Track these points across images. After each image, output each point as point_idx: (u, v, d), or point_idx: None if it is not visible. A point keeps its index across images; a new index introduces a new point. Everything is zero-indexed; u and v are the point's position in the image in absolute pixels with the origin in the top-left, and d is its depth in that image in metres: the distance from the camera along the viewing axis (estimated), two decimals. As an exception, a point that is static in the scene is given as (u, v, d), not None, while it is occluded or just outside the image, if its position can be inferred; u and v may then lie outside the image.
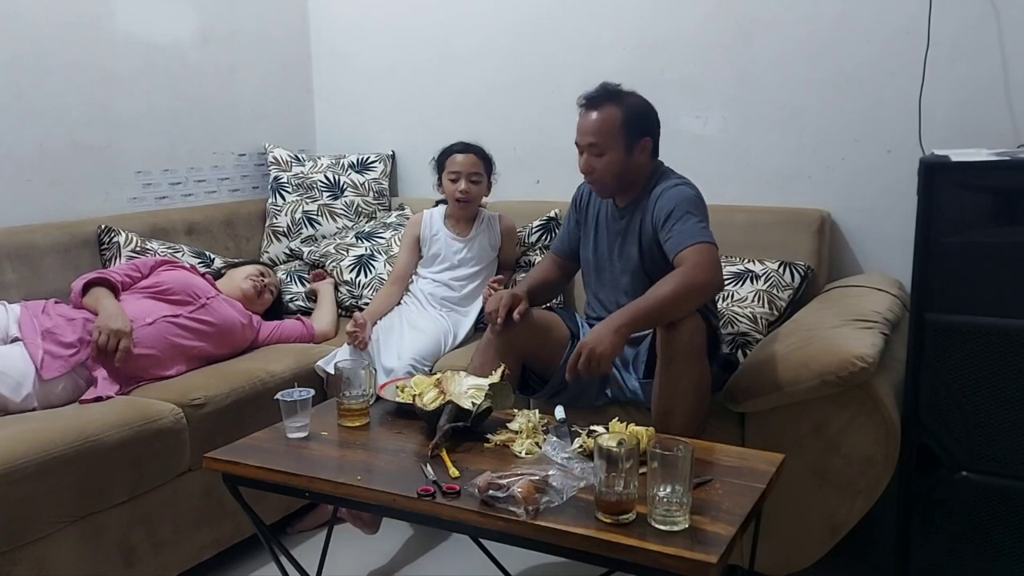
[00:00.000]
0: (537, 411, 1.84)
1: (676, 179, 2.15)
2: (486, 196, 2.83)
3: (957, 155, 1.87)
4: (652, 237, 2.12)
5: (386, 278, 2.93)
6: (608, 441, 1.42)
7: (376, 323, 2.64)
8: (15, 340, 2.17)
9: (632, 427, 1.68)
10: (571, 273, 2.45)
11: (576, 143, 2.16)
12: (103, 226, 2.71)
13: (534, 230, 2.93)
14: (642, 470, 1.46)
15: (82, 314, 2.26)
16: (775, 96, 2.74)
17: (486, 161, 2.76)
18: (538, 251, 2.88)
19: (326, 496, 1.66)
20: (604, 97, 2.11)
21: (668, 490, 1.38)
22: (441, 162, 2.76)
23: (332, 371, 2.42)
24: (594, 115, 2.11)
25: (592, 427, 1.73)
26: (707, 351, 1.97)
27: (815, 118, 2.69)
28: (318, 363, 2.49)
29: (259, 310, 2.69)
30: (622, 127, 2.09)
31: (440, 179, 2.77)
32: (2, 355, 2.10)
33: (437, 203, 2.92)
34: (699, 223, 2.02)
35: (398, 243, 3.05)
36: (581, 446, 1.68)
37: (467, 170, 2.71)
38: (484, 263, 2.80)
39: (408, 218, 3.19)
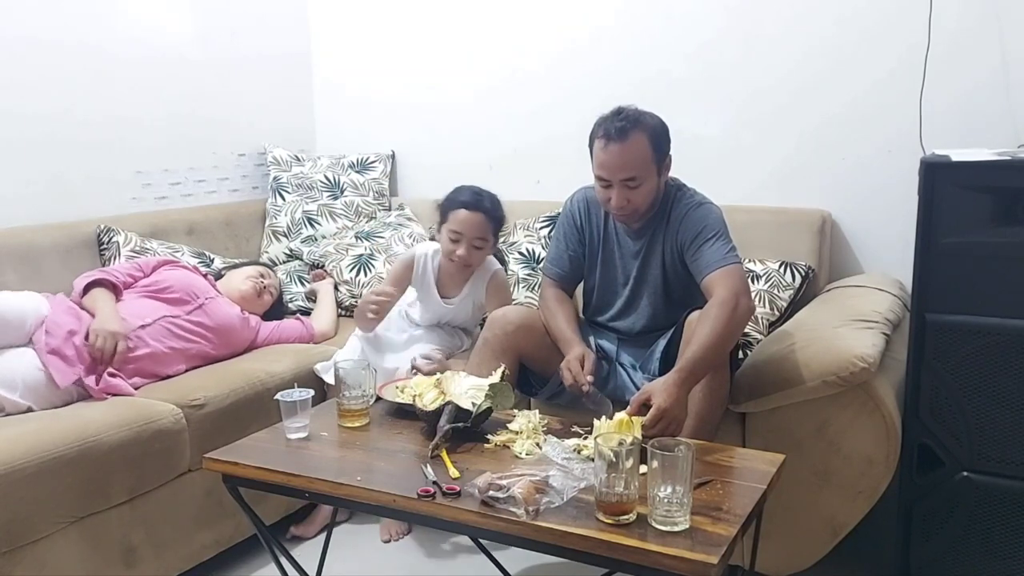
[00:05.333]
0: (537, 412, 1.84)
1: (698, 196, 2.11)
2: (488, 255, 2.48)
3: (958, 155, 1.87)
4: (677, 257, 2.09)
5: (385, 277, 2.93)
6: (608, 442, 1.42)
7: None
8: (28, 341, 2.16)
9: (621, 415, 1.68)
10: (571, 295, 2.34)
11: (601, 177, 2.03)
12: (103, 226, 2.71)
13: (534, 230, 2.92)
14: (642, 470, 1.46)
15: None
16: (775, 96, 2.73)
17: (495, 222, 2.39)
18: (540, 245, 2.86)
19: (326, 497, 1.66)
20: (630, 125, 1.98)
21: (668, 490, 1.37)
22: (445, 212, 2.37)
23: (331, 380, 2.37)
24: (623, 147, 1.97)
25: (575, 427, 1.74)
26: (728, 357, 1.96)
27: (815, 118, 2.69)
28: (317, 366, 2.48)
29: (259, 311, 2.69)
30: (652, 152, 2.00)
31: (440, 227, 2.40)
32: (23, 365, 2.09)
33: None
34: (728, 243, 2.01)
35: (398, 243, 3.05)
36: (580, 446, 1.68)
37: (471, 234, 2.33)
38: (469, 324, 2.58)
39: (409, 218, 3.19)
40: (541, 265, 2.65)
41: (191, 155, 3.16)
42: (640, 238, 2.15)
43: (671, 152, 2.08)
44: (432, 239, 2.67)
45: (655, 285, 2.16)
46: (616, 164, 1.99)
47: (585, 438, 1.72)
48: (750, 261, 2.58)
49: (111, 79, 2.85)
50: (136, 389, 2.21)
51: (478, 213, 2.34)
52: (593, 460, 1.45)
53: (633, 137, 1.98)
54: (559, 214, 2.36)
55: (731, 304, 1.88)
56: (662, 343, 2.12)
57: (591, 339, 2.20)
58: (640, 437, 1.61)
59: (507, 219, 2.47)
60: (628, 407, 1.75)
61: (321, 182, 3.25)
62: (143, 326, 2.29)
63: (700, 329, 1.86)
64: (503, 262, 2.68)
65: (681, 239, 2.07)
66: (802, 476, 1.94)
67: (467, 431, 1.76)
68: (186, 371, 2.36)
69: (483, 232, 2.35)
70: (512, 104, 3.18)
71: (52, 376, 2.08)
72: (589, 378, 1.97)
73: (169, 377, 2.31)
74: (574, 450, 1.66)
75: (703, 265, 1.99)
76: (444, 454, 1.67)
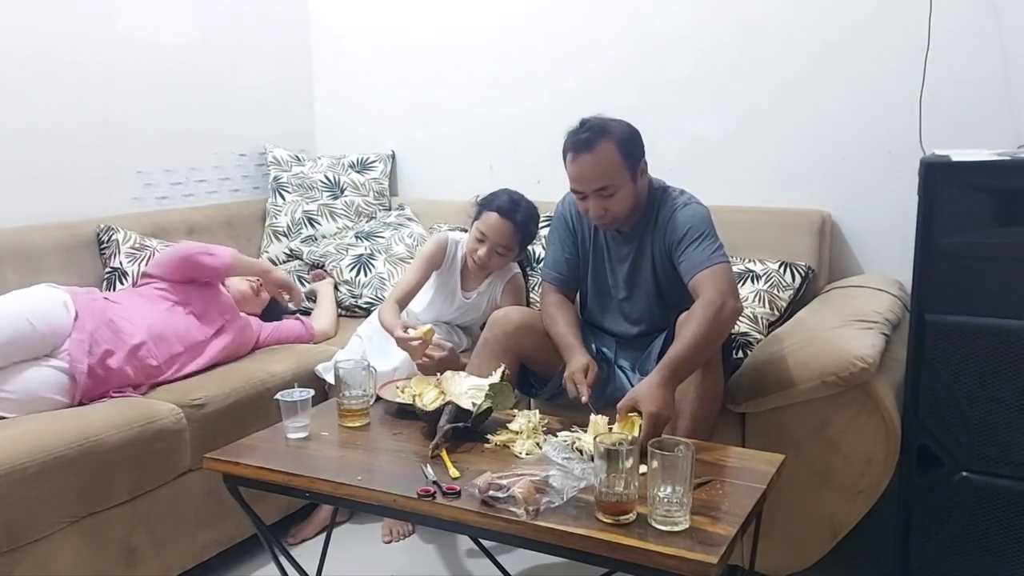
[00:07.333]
0: (537, 411, 1.84)
1: (684, 197, 2.10)
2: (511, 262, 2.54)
3: (957, 155, 1.87)
4: (667, 259, 2.08)
5: (385, 277, 2.92)
6: (608, 441, 1.42)
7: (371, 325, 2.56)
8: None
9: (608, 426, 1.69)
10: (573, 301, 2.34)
11: (576, 190, 2.04)
12: (103, 226, 2.71)
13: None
14: (642, 470, 1.47)
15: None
16: (775, 96, 2.73)
17: (524, 235, 2.42)
18: (540, 244, 2.85)
19: (326, 496, 1.66)
20: (595, 135, 1.98)
21: (668, 490, 1.38)
22: (480, 210, 2.43)
23: (332, 380, 2.37)
24: (592, 157, 1.97)
25: (575, 427, 1.74)
26: (720, 356, 1.96)
27: (815, 118, 2.69)
28: (318, 367, 2.48)
29: (257, 309, 2.69)
30: (622, 159, 1.99)
31: (472, 223, 2.45)
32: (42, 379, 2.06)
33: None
34: (713, 243, 2.00)
35: (398, 243, 3.05)
36: (577, 445, 1.68)
37: (495, 239, 2.37)
38: (474, 323, 2.61)
39: (409, 218, 3.19)
40: (540, 267, 2.65)
41: (192, 155, 3.16)
42: (629, 243, 2.15)
43: (646, 156, 2.06)
44: (463, 230, 2.69)
45: (647, 288, 2.16)
46: (587, 175, 1.99)
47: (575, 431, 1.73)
48: (750, 261, 2.58)
49: (112, 79, 2.85)
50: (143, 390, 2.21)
51: (508, 222, 2.37)
52: (593, 460, 1.46)
53: (600, 147, 1.97)
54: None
55: (716, 305, 1.87)
56: (658, 344, 2.12)
57: (592, 345, 2.20)
58: (639, 436, 1.61)
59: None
60: (616, 416, 1.74)
61: (321, 182, 3.25)
62: (177, 354, 2.29)
63: (684, 329, 1.86)
64: (523, 265, 2.70)
65: (668, 241, 2.06)
66: (802, 476, 1.95)
67: (467, 431, 1.76)
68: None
69: (508, 241, 2.38)
70: (513, 104, 3.18)
71: (75, 393, 2.07)
72: (587, 391, 1.96)
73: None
74: (568, 445, 1.67)
75: (689, 267, 1.99)
76: (444, 454, 1.68)
